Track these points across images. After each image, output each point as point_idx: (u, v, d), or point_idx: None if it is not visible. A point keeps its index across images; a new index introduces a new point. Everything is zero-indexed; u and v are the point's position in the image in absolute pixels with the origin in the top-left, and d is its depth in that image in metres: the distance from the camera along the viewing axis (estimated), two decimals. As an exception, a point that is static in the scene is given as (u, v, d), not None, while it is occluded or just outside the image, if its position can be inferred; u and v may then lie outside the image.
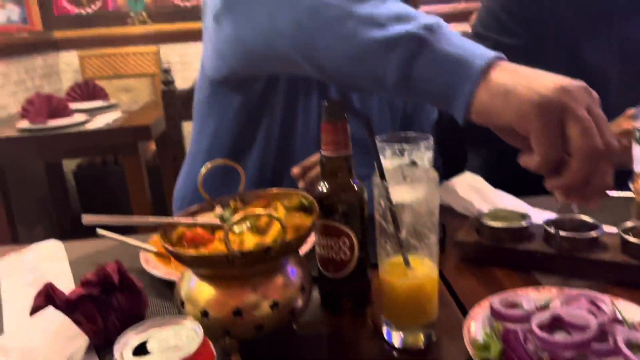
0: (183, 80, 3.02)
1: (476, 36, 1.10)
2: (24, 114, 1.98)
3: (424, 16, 0.56)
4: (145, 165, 2.04)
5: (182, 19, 2.95)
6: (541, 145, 0.48)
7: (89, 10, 2.90)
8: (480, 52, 0.53)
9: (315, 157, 0.82)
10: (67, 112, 1.99)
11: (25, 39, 2.61)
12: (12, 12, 2.57)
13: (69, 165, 2.71)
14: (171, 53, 2.98)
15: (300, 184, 0.82)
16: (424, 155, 0.60)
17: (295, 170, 0.82)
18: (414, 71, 0.54)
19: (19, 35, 2.57)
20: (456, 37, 0.55)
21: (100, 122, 1.99)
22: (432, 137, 0.61)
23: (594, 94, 0.50)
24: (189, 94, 1.31)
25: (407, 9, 0.58)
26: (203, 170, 0.58)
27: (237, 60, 0.77)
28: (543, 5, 1.05)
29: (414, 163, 0.59)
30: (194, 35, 2.94)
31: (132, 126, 1.93)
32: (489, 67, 0.51)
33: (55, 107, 1.96)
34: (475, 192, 0.87)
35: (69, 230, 2.56)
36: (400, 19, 0.56)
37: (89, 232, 0.71)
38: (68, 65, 2.95)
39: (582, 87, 0.49)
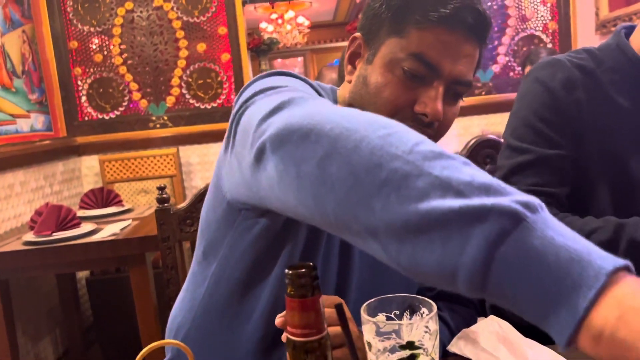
0: (202, 181, 2.99)
1: (511, 149, 1.00)
2: (31, 225, 1.93)
3: (520, 193, 0.41)
4: (152, 273, 1.94)
5: (201, 121, 2.97)
6: None
7: (112, 115, 2.97)
8: (604, 255, 0.37)
9: None
10: (76, 223, 1.93)
11: (47, 146, 2.65)
12: (37, 121, 2.63)
13: (83, 273, 2.63)
14: (191, 154, 2.98)
15: (284, 337, 0.69)
16: (428, 335, 0.46)
17: (278, 320, 0.69)
18: (498, 255, 0.38)
19: (40, 143, 2.61)
20: (563, 226, 0.39)
21: (108, 231, 1.92)
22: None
23: None
24: (185, 212, 1.22)
25: (495, 180, 0.43)
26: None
27: (272, 202, 0.63)
28: (582, 114, 0.96)
29: (410, 347, 0.45)
30: (214, 136, 2.95)
31: (138, 237, 1.84)
32: (615, 275, 0.36)
33: (63, 217, 1.91)
34: (502, 342, 0.71)
35: (78, 341, 2.43)
36: (488, 190, 0.41)
37: (96, 341, 0.58)
38: (89, 170, 2.97)
39: None
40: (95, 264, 2.12)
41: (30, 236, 1.87)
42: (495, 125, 3.12)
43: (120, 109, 2.97)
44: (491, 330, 0.73)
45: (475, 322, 0.91)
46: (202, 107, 3.00)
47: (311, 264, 0.44)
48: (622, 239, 0.83)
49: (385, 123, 0.49)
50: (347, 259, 0.82)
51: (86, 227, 1.94)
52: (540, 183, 0.96)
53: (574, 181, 0.97)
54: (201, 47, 2.96)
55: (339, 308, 0.41)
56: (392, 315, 0.50)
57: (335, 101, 0.87)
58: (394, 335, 0.49)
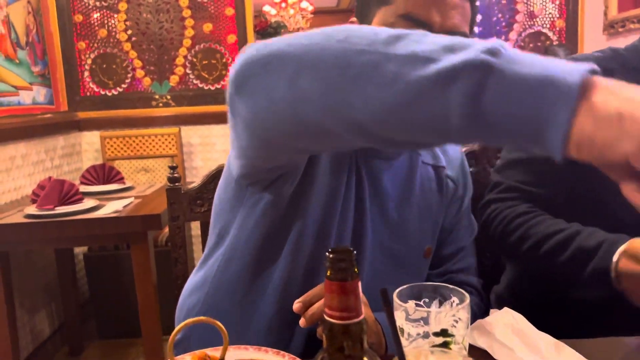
0: (204, 162, 2.99)
1: (497, 185, 1.01)
2: (34, 198, 1.92)
3: (481, 42, 0.44)
4: (154, 253, 1.95)
5: (204, 102, 2.96)
6: None
7: (114, 92, 2.94)
8: (570, 68, 0.40)
9: (318, 289, 0.70)
10: (78, 198, 1.93)
11: (48, 119, 2.63)
12: (39, 94, 2.60)
13: (81, 248, 2.63)
14: (193, 135, 2.97)
15: (303, 322, 0.70)
16: (458, 325, 0.47)
17: (297, 306, 0.69)
18: (483, 105, 0.41)
19: (42, 116, 2.59)
20: (530, 56, 0.43)
21: (110, 208, 1.91)
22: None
23: None
24: (196, 192, 1.22)
25: (456, 38, 0.46)
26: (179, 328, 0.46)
27: (255, 150, 0.67)
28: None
29: (444, 334, 0.46)
30: (216, 118, 2.93)
31: (141, 215, 1.84)
32: (586, 85, 0.40)
33: (66, 192, 1.90)
34: (516, 335, 0.73)
35: (74, 315, 2.44)
36: (452, 49, 0.44)
37: (92, 316, 0.60)
38: (90, 145, 2.95)
39: None
40: (97, 240, 2.12)
41: (32, 209, 1.86)
42: (497, 120, 3.13)
43: (123, 85, 2.94)
44: (506, 322, 0.74)
45: (481, 310, 0.93)
46: (205, 87, 2.98)
47: (350, 248, 0.45)
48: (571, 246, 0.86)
49: (339, 29, 0.50)
50: (359, 242, 0.83)
51: (89, 203, 1.93)
52: (526, 181, 0.98)
53: (575, 185, 0.95)
54: (207, 27, 2.93)
55: (383, 293, 0.42)
56: (422, 303, 0.51)
57: None
58: (421, 323, 0.50)
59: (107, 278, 2.54)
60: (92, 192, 2.18)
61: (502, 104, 0.41)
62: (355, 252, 0.44)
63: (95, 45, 2.91)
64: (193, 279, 0.92)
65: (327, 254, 0.45)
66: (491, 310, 0.79)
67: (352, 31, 0.49)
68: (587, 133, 0.39)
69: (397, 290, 0.50)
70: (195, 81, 2.97)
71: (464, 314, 0.47)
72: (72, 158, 2.85)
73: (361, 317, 0.45)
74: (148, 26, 2.91)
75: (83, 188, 2.21)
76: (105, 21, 2.90)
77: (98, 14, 2.89)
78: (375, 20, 0.78)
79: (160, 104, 2.95)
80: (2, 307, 1.87)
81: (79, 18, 2.88)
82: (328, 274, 0.45)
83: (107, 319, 2.57)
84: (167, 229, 2.31)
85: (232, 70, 0.57)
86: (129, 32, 2.90)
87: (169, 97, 2.96)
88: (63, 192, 1.89)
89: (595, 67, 0.41)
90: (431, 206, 0.90)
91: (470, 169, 1.31)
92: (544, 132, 0.40)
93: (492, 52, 0.42)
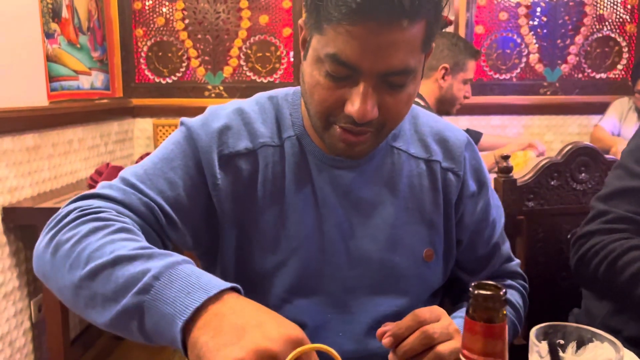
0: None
1: (625, 170, 0.94)
2: (91, 183, 1.94)
3: (153, 263, 0.58)
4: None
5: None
6: None
7: (168, 80, 2.95)
8: (184, 308, 0.53)
9: (409, 321, 0.65)
10: (134, 186, 1.93)
11: (105, 105, 2.66)
12: (97, 79, 2.63)
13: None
14: (243, 126, 2.95)
15: (392, 357, 0.65)
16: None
17: (386, 340, 0.64)
18: (148, 330, 0.56)
19: (99, 101, 2.62)
20: (177, 286, 0.55)
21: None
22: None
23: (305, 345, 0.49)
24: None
25: (133, 271, 0.58)
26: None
27: None
28: None
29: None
30: (267, 111, 2.90)
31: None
32: (192, 325, 0.52)
33: (122, 179, 1.91)
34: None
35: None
36: (126, 288, 0.57)
37: None
38: (142, 132, 2.97)
39: (268, 355, 0.47)
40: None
41: (90, 195, 1.87)
42: (557, 127, 3.00)
43: (178, 74, 2.95)
44: None
45: (527, 292, 0.92)
46: (258, 80, 2.96)
47: (499, 285, 0.40)
48: None
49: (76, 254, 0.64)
50: (337, 259, 0.82)
51: (144, 191, 1.93)
52: (639, 212, 0.90)
53: None
54: (263, 19, 2.91)
55: (552, 347, 0.37)
56: (557, 344, 0.45)
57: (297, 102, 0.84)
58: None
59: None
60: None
61: (155, 333, 0.56)
62: (505, 292, 0.39)
63: (152, 33, 2.92)
64: None
65: (470, 288, 0.40)
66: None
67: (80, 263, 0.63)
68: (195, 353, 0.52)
69: (535, 328, 0.44)
70: (248, 73, 2.96)
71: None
72: (125, 144, 2.88)
73: (506, 364, 0.40)
74: (205, 16, 2.90)
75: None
76: (163, 9, 2.90)
77: (156, 2, 2.90)
78: (312, 45, 0.70)
79: (213, 95, 2.94)
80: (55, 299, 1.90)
81: (137, 5, 2.89)
82: (470, 311, 0.40)
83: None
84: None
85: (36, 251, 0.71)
86: (186, 21, 2.91)
87: (221, 88, 2.95)
88: (120, 180, 1.90)
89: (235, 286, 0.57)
90: (424, 206, 0.82)
91: (552, 182, 1.24)
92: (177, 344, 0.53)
93: (146, 289, 0.56)
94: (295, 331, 0.50)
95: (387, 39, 0.63)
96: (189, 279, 0.56)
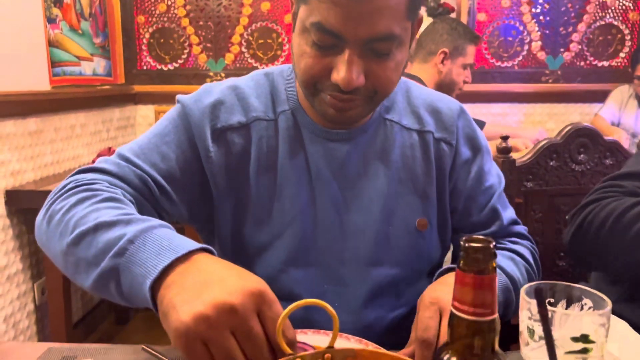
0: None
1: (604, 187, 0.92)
2: (94, 168, 1.95)
3: (130, 228, 0.61)
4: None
5: (258, 81, 2.93)
6: None
7: (170, 67, 2.96)
8: (152, 268, 0.55)
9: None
10: (136, 170, 1.94)
11: (107, 91, 2.67)
12: (99, 65, 2.64)
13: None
14: (244, 114, 2.96)
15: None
16: (599, 331, 0.42)
17: None
18: (125, 294, 0.59)
19: (101, 87, 2.63)
20: (149, 248, 0.58)
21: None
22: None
23: (267, 297, 0.51)
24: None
25: (111, 237, 0.60)
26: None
27: None
28: None
29: (585, 340, 0.42)
30: (269, 98, 2.91)
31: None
32: (160, 284, 0.55)
33: (124, 163, 1.92)
34: (617, 341, 0.67)
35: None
36: (104, 251, 0.60)
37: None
38: (144, 119, 2.98)
39: (228, 307, 0.49)
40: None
41: (92, 178, 1.89)
42: (558, 115, 3.00)
43: (179, 61, 2.96)
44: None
45: (539, 254, 0.90)
46: (260, 67, 2.96)
47: (489, 238, 0.41)
48: None
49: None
50: (326, 227, 0.83)
51: (146, 175, 1.94)
52: None
53: None
54: (265, 6, 2.90)
55: (544, 314, 0.38)
56: (547, 303, 0.46)
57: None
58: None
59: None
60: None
61: (131, 295, 0.59)
62: (494, 243, 0.40)
63: (154, 19, 2.92)
64: None
65: (461, 242, 0.41)
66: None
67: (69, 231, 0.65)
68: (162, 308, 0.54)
69: (526, 286, 0.45)
70: (250, 60, 2.96)
71: (606, 320, 0.42)
72: (127, 130, 2.89)
73: (495, 316, 0.41)
74: (206, 3, 2.90)
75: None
76: (165, -4, 2.90)
77: (158, -11, 2.89)
78: (299, 16, 0.72)
79: (215, 81, 2.94)
80: (58, 274, 1.92)
81: (139, -9, 2.89)
82: (461, 264, 0.41)
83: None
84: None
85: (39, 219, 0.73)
86: (188, 7, 2.90)
87: (223, 75, 2.95)
88: (122, 163, 1.91)
89: (193, 248, 0.57)
90: (417, 176, 0.83)
91: (551, 163, 1.25)
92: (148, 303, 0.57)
93: (121, 252, 0.58)
94: (257, 284, 0.52)
95: (370, 5, 0.64)
96: (161, 242, 0.58)
